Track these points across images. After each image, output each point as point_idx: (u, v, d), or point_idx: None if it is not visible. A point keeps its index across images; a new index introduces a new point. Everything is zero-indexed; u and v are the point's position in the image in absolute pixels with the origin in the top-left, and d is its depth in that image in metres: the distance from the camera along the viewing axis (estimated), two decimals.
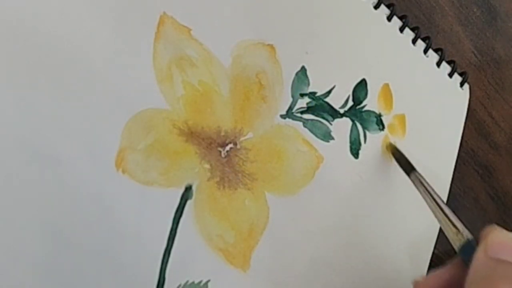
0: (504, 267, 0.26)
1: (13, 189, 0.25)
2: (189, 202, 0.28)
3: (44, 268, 0.25)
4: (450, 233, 0.30)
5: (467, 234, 0.29)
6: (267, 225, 0.31)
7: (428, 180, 0.33)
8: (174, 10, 0.29)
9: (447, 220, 0.30)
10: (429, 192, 0.32)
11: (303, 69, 0.32)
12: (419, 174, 0.33)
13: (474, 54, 0.43)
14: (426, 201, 0.32)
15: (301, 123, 0.32)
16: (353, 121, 0.34)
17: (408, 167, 0.34)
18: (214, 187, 0.29)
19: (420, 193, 0.32)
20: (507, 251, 0.26)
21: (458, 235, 0.29)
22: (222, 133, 0.30)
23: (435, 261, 0.38)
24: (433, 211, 0.31)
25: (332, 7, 0.34)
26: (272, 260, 0.31)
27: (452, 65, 0.39)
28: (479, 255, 0.27)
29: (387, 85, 0.36)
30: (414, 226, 0.36)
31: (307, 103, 0.32)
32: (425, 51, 0.38)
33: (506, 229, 0.40)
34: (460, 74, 0.40)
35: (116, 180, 0.27)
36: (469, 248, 0.28)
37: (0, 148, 0.24)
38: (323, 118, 0.33)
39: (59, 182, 0.25)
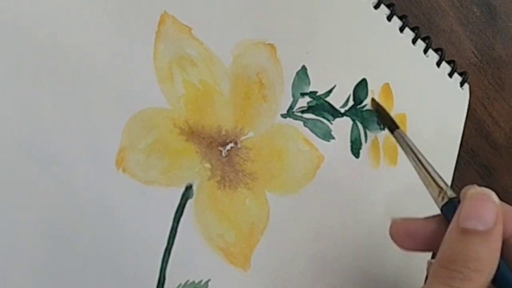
0: (465, 238, 0.26)
1: (13, 189, 0.24)
2: (189, 202, 0.28)
3: (44, 268, 0.25)
4: (433, 192, 0.30)
5: (450, 193, 0.29)
6: (267, 225, 0.31)
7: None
8: (175, 9, 0.29)
9: (430, 179, 0.30)
10: (412, 150, 0.31)
11: (303, 69, 0.32)
12: (402, 131, 0.33)
13: (474, 54, 0.43)
14: (409, 159, 0.31)
15: (301, 123, 0.32)
16: (353, 120, 0.34)
17: (391, 125, 0.34)
18: (215, 186, 0.29)
19: (403, 150, 0.32)
20: (475, 216, 0.26)
21: (441, 194, 0.29)
22: (223, 132, 0.30)
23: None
24: (416, 170, 0.31)
25: (332, 6, 0.34)
26: (272, 260, 0.31)
27: (452, 65, 0.39)
28: (450, 226, 0.27)
29: (387, 84, 0.36)
30: None
31: (308, 103, 0.32)
32: (425, 51, 0.38)
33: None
34: (460, 74, 0.40)
35: (116, 180, 0.27)
36: (452, 207, 0.28)
37: (0, 148, 0.24)
38: (324, 117, 0.33)
39: (59, 181, 0.25)
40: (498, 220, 0.26)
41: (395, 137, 0.33)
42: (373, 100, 0.35)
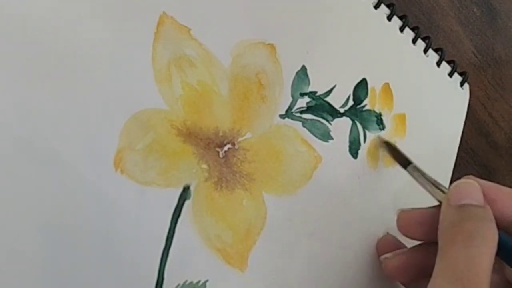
0: (465, 210, 0.27)
1: (11, 189, 0.25)
2: (187, 202, 0.28)
3: (42, 268, 0.25)
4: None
5: None
6: (264, 225, 0.30)
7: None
8: (174, 10, 0.29)
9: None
10: (430, 182, 0.31)
11: (303, 69, 0.32)
12: (416, 166, 0.33)
13: (474, 54, 0.43)
14: (429, 191, 0.31)
15: (300, 123, 0.32)
16: (353, 120, 0.34)
17: (404, 161, 0.34)
18: (212, 187, 0.29)
19: (421, 184, 0.32)
20: (467, 196, 0.28)
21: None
22: (220, 134, 0.30)
23: None
24: (438, 200, 0.31)
25: (332, 6, 0.34)
26: (269, 260, 0.30)
27: (452, 65, 0.39)
28: (444, 207, 0.28)
29: (387, 84, 0.36)
30: None
31: (307, 103, 0.32)
32: (425, 51, 0.38)
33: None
34: (460, 74, 0.40)
35: (114, 180, 0.27)
36: None
37: None
38: (323, 117, 0.33)
39: (58, 182, 0.25)
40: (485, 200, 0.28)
41: (408, 172, 0.33)
42: (379, 137, 0.35)
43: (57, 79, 0.26)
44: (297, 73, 0.32)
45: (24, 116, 0.25)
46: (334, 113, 0.33)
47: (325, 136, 0.33)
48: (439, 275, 0.26)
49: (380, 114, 0.35)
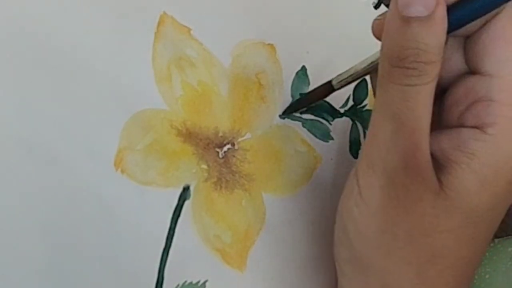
0: (409, 31, 0.23)
1: (12, 189, 0.25)
2: (187, 203, 0.28)
3: (43, 268, 0.25)
4: None
5: None
6: (264, 226, 0.30)
7: None
8: (174, 9, 0.29)
9: None
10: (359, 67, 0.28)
11: (303, 69, 0.32)
12: (337, 78, 0.29)
13: None
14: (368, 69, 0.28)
15: (300, 123, 0.32)
16: (353, 120, 0.34)
17: (327, 89, 0.30)
18: (211, 187, 0.29)
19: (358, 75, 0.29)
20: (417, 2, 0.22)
21: None
22: (220, 134, 0.30)
23: None
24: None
25: (332, 6, 0.34)
26: (268, 260, 0.30)
27: None
28: (389, 15, 0.23)
29: None
30: None
31: None
32: None
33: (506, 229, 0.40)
34: None
35: (115, 180, 0.27)
36: None
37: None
38: (323, 118, 0.33)
39: (58, 182, 0.26)
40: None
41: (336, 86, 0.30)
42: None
43: (58, 79, 0.26)
44: (297, 73, 0.32)
45: (24, 116, 0.25)
46: (334, 113, 0.33)
47: (325, 136, 0.33)
48: (377, 111, 0.24)
49: None
